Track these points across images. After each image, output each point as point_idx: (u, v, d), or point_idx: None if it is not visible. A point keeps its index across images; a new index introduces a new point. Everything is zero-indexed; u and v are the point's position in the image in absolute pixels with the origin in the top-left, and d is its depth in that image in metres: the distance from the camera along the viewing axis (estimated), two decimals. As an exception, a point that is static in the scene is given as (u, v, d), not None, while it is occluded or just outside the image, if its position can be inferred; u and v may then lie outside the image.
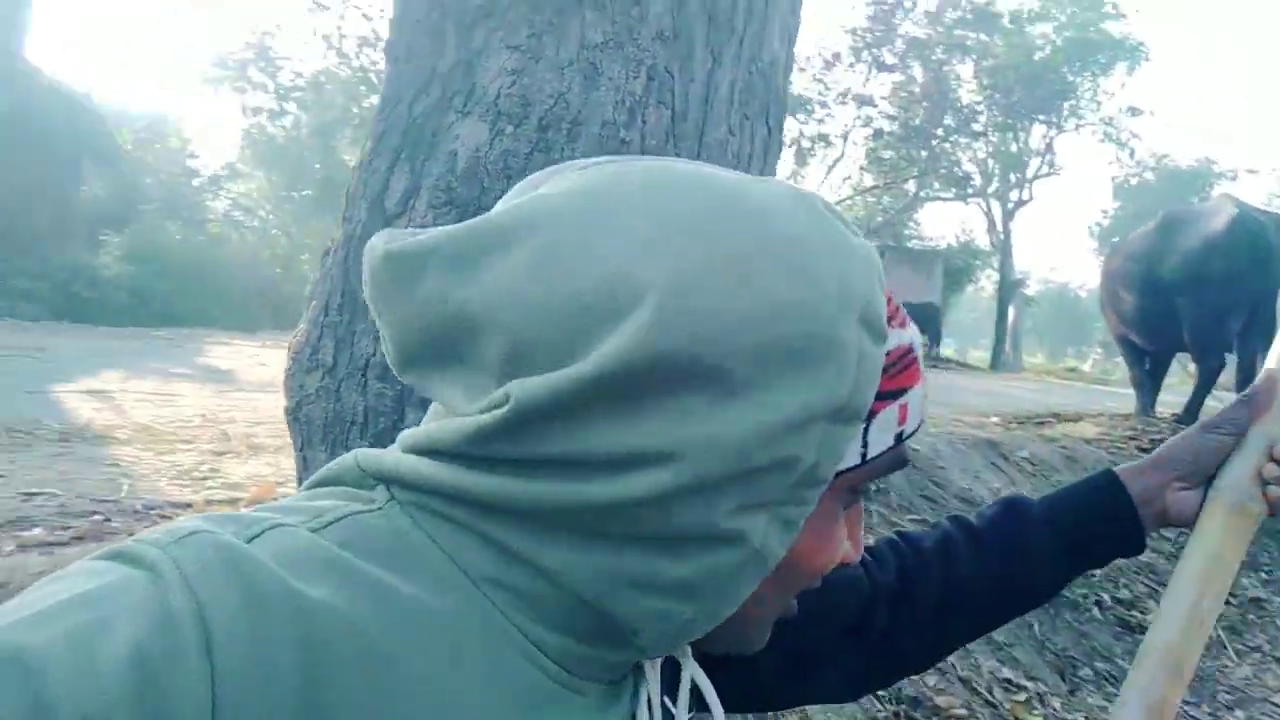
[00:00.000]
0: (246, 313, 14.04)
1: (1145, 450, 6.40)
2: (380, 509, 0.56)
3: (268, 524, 0.52)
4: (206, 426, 4.69)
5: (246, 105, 20.82)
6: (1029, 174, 28.16)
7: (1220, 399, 7.79)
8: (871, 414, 0.56)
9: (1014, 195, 28.33)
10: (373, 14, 17.96)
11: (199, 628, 0.45)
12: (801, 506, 0.54)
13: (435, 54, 1.53)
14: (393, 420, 1.49)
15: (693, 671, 0.65)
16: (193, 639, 0.45)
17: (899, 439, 0.58)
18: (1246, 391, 0.87)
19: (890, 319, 0.56)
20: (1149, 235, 8.02)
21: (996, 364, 25.44)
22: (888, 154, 26.04)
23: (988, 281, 31.58)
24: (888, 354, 0.56)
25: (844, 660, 0.88)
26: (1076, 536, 0.89)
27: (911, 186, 28.10)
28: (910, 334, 0.59)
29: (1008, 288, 27.38)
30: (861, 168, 26.90)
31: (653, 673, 0.63)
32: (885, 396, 0.56)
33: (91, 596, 0.46)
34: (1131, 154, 28.67)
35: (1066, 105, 25.88)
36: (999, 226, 28.09)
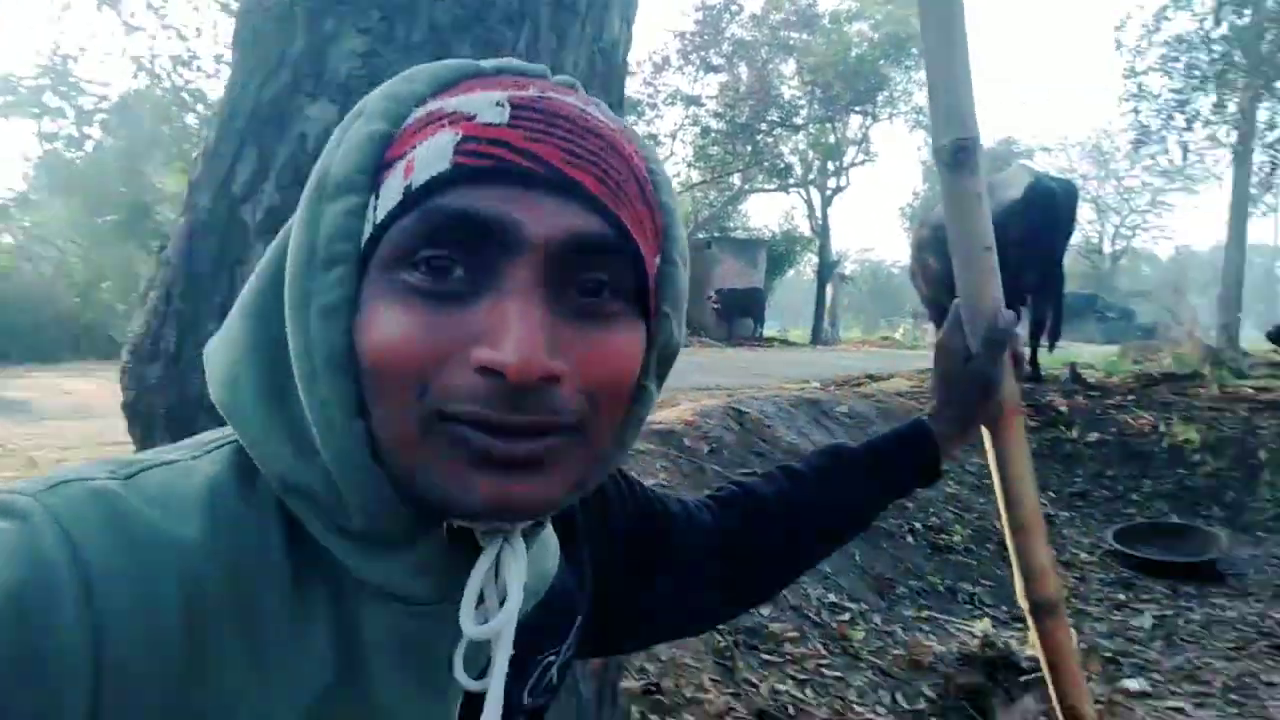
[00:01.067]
0: (44, 344, 13.23)
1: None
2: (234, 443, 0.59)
3: (149, 463, 0.54)
4: (8, 456, 4.49)
5: (43, 131, 19.54)
6: (845, 162, 29.55)
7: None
8: (379, 185, 0.54)
9: (832, 183, 29.65)
10: (189, 34, 17.22)
11: (75, 569, 0.45)
12: (328, 292, 0.53)
13: (285, 39, 1.60)
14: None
15: (494, 559, 0.60)
16: (69, 579, 0.45)
17: (407, 191, 0.52)
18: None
19: (426, 98, 0.57)
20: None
21: (816, 339, 26.70)
22: (714, 150, 26.91)
23: (808, 265, 32.99)
24: (411, 122, 0.56)
25: (693, 600, 0.93)
26: (889, 475, 1.02)
27: (737, 180, 29.12)
28: (453, 104, 0.55)
29: (826, 269, 28.61)
30: (689, 164, 27.73)
31: (484, 557, 0.59)
32: (390, 164, 0.54)
33: None
34: (938, 139, 30.40)
35: (881, 97, 27.34)
36: (818, 212, 29.39)
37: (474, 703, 0.59)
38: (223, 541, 0.52)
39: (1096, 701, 2.78)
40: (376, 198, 0.54)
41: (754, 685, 2.73)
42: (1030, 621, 1.13)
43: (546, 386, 0.51)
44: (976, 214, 1.03)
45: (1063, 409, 6.77)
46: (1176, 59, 15.08)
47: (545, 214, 0.51)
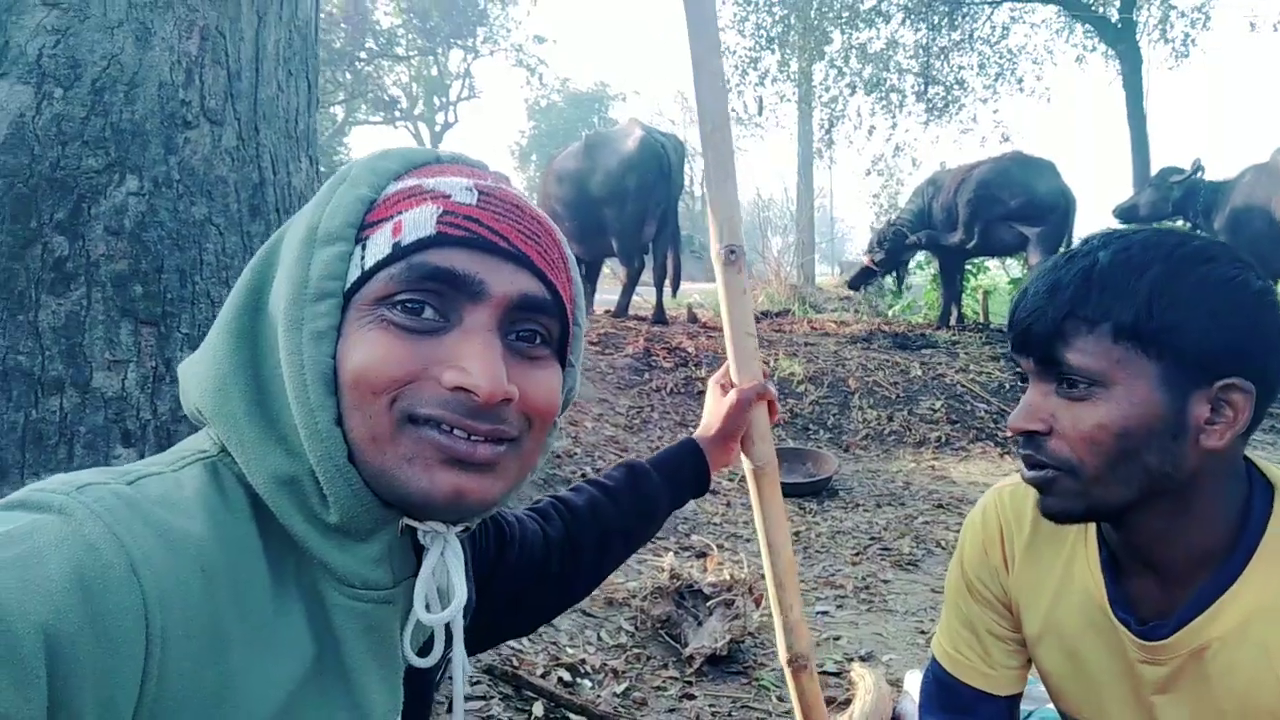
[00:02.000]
0: None
1: (594, 343, 7.39)
2: (211, 456, 0.68)
3: (140, 473, 0.62)
4: None
5: None
6: (452, 97, 29.30)
7: (641, 293, 9.16)
8: (366, 236, 0.68)
9: (440, 118, 29.31)
10: None
11: (122, 553, 0.54)
12: (319, 320, 0.66)
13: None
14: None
15: (439, 557, 0.74)
16: (118, 561, 0.53)
17: (396, 247, 0.66)
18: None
19: (401, 175, 0.72)
20: (576, 157, 8.98)
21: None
22: (313, 78, 25.30)
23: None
24: (393, 193, 0.70)
25: (532, 600, 1.07)
26: (674, 485, 1.21)
27: (339, 111, 27.69)
28: (430, 184, 0.70)
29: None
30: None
31: (431, 554, 0.73)
32: (376, 223, 0.68)
33: (14, 535, 0.52)
34: (540, 78, 31.25)
35: (481, 31, 27.27)
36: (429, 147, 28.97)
37: (409, 677, 0.75)
38: (220, 537, 0.61)
39: (758, 615, 3.18)
40: (363, 248, 0.68)
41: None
42: (788, 675, 1.36)
43: (501, 406, 0.67)
44: (743, 302, 1.28)
45: (690, 349, 7.41)
46: (746, 19, 16.50)
47: (504, 276, 0.68)
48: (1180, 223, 8.68)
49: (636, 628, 3.24)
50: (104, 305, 1.43)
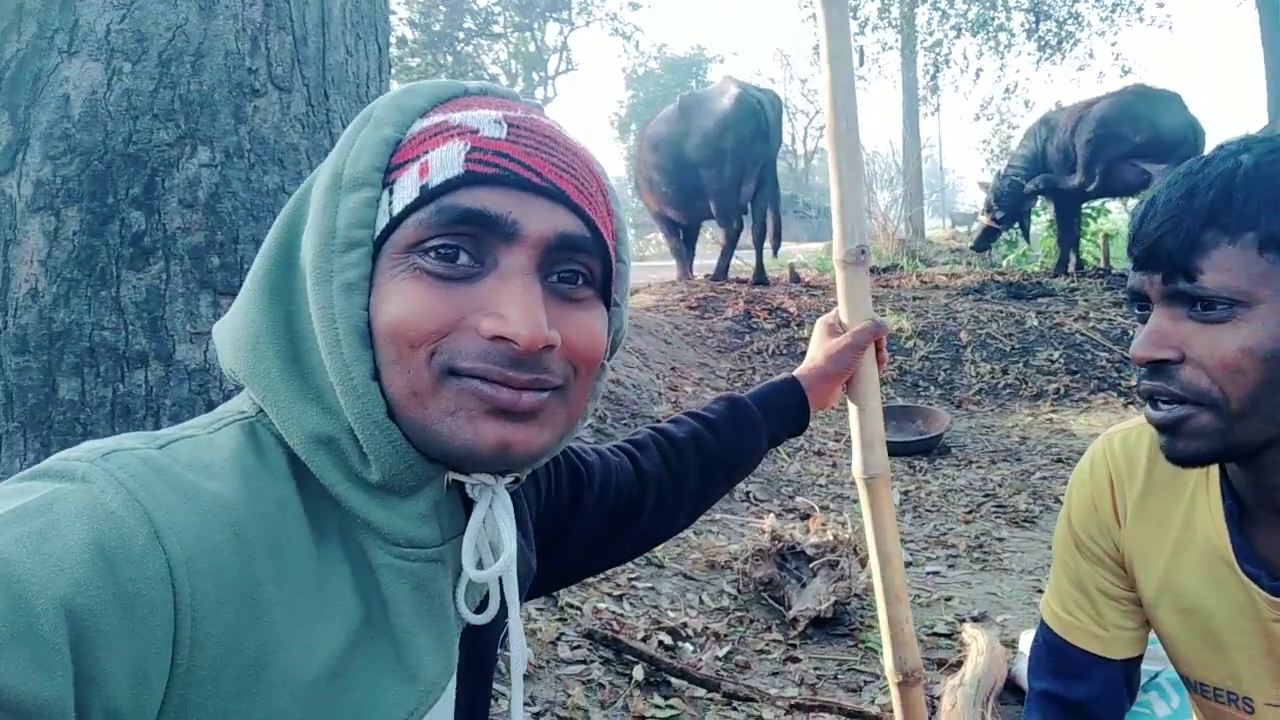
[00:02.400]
0: None
1: (694, 308, 7.33)
2: (249, 417, 0.66)
3: (173, 436, 0.61)
4: None
5: None
6: (550, 71, 29.43)
7: (741, 256, 9.04)
8: (393, 180, 0.64)
9: (539, 94, 29.50)
10: None
11: (145, 521, 0.52)
12: (348, 271, 0.62)
13: (16, -18, 1.37)
14: (44, 394, 1.38)
15: (486, 510, 0.70)
16: (140, 531, 0.51)
17: (424, 190, 0.62)
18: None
19: (428, 111, 0.68)
20: (669, 120, 8.90)
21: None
22: (415, 62, 25.79)
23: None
24: (418, 131, 0.66)
25: (624, 537, 1.05)
26: (774, 422, 1.17)
27: (442, 92, 28.19)
28: (457, 118, 0.66)
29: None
30: (391, 78, 26.43)
31: (479, 509, 0.70)
32: (403, 164, 0.64)
33: (31, 507, 0.51)
34: (637, 45, 31.14)
35: (576, 3, 27.29)
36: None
37: (469, 634, 0.74)
38: (254, 499, 0.59)
39: (864, 576, 3.09)
40: (390, 193, 0.64)
41: (577, 608, 2.78)
42: (895, 691, 1.30)
43: (543, 353, 0.63)
44: (866, 294, 1.25)
45: (792, 309, 7.27)
46: None
47: (539, 214, 0.63)
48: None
49: (739, 591, 3.20)
50: (183, 278, 1.45)
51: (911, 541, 3.84)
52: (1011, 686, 2.55)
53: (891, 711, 1.35)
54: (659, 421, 1.34)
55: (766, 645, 2.87)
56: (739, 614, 3.05)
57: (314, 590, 0.60)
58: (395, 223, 0.63)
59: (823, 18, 1.17)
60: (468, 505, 0.71)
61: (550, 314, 0.63)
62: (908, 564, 3.58)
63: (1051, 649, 1.14)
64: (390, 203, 0.63)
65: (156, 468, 0.55)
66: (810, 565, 3.18)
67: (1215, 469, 0.96)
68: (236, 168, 1.48)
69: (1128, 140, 8.20)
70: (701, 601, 3.13)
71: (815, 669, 2.72)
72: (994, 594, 3.26)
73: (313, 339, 0.64)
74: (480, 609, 0.73)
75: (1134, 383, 0.94)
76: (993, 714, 2.36)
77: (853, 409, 1.26)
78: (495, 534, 0.71)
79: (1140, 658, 1.12)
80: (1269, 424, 0.82)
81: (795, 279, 8.82)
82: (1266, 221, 0.78)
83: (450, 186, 0.62)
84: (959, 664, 2.63)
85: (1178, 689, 2.28)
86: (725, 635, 2.89)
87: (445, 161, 0.63)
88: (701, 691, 2.49)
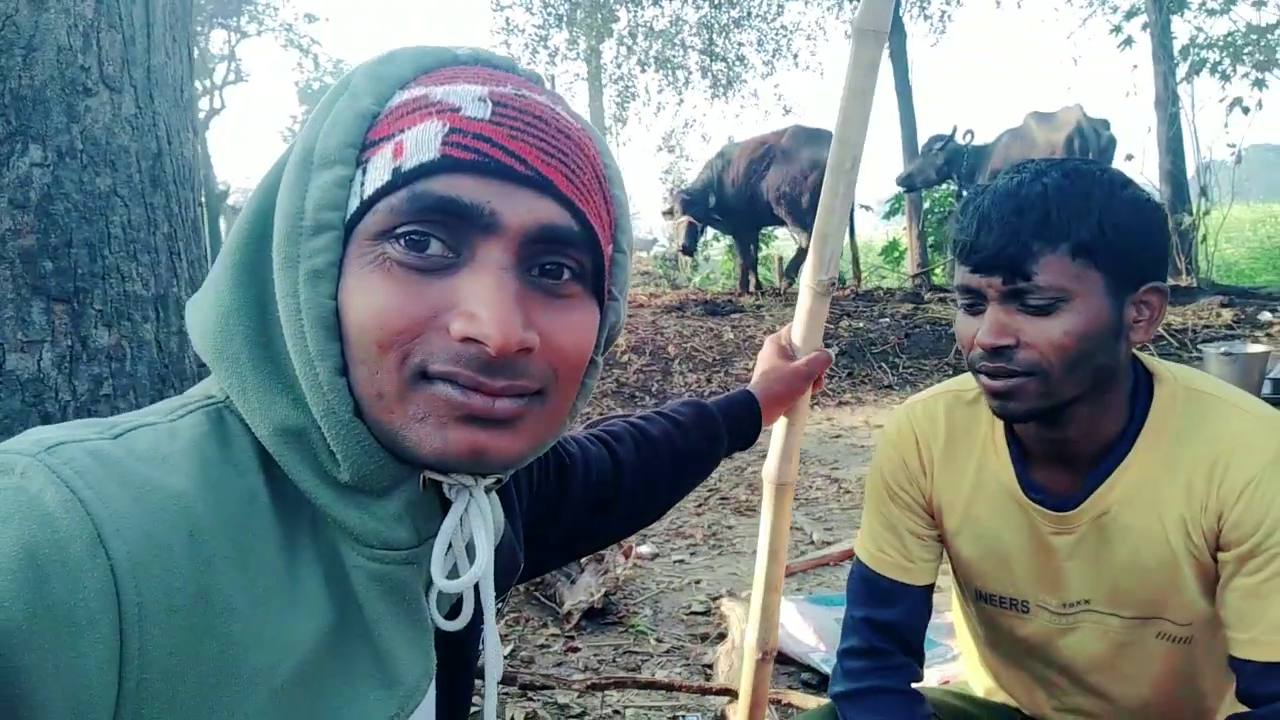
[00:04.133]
0: None
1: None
2: (217, 402, 0.62)
3: (132, 424, 0.56)
4: None
5: None
6: (217, 81, 27.46)
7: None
8: (367, 159, 0.59)
9: (204, 103, 27.44)
10: None
11: (86, 523, 0.47)
12: (316, 257, 0.57)
13: None
14: None
15: (462, 511, 0.66)
16: (81, 534, 0.47)
17: (396, 173, 0.57)
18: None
19: (409, 82, 0.62)
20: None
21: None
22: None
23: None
24: (398, 104, 0.61)
25: (600, 527, 1.06)
26: (733, 432, 1.21)
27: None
28: (439, 93, 0.60)
29: (214, 201, 26.75)
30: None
31: (453, 511, 0.65)
32: (378, 142, 0.59)
33: None
34: (315, 61, 29.81)
35: (247, 10, 25.72)
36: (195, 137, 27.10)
37: (446, 638, 0.69)
38: (215, 493, 0.54)
39: (624, 569, 3.33)
40: (364, 173, 0.58)
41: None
42: (750, 665, 1.51)
43: (519, 356, 0.58)
44: (823, 323, 1.36)
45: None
46: None
47: (521, 205, 0.58)
48: (948, 185, 9.54)
49: (511, 593, 3.31)
50: (13, 283, 1.36)
51: (654, 535, 4.14)
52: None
53: (680, 677, 1.52)
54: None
55: (546, 640, 3.01)
56: (513, 615, 3.16)
57: (283, 590, 0.56)
58: (366, 206, 0.58)
59: (853, 54, 1.21)
60: (446, 503, 0.66)
61: (532, 312, 0.59)
62: (655, 555, 3.87)
63: (865, 581, 1.36)
64: (363, 184, 0.58)
65: (106, 461, 0.51)
66: (578, 561, 3.36)
67: (1000, 425, 1.24)
68: (69, 168, 1.42)
69: (795, 173, 9.26)
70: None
71: (595, 655, 2.90)
72: (735, 574, 3.61)
73: (281, 325, 0.60)
74: (455, 612, 0.68)
75: (965, 362, 1.19)
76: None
77: (783, 422, 1.40)
78: (470, 538, 0.66)
79: (933, 586, 1.37)
80: (1077, 386, 1.08)
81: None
82: (1074, 233, 1.03)
83: (424, 171, 0.57)
84: (722, 635, 2.93)
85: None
86: (506, 635, 3.00)
87: (421, 143, 0.57)
88: (499, 687, 2.58)
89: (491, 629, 0.69)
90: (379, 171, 0.57)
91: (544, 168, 0.59)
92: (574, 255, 0.62)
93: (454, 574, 0.66)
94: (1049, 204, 1.04)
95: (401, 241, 0.57)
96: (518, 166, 0.58)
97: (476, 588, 0.68)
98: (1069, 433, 1.14)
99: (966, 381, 1.29)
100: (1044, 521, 1.19)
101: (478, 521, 0.65)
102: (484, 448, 0.58)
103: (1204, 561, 1.11)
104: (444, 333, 0.56)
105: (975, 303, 1.12)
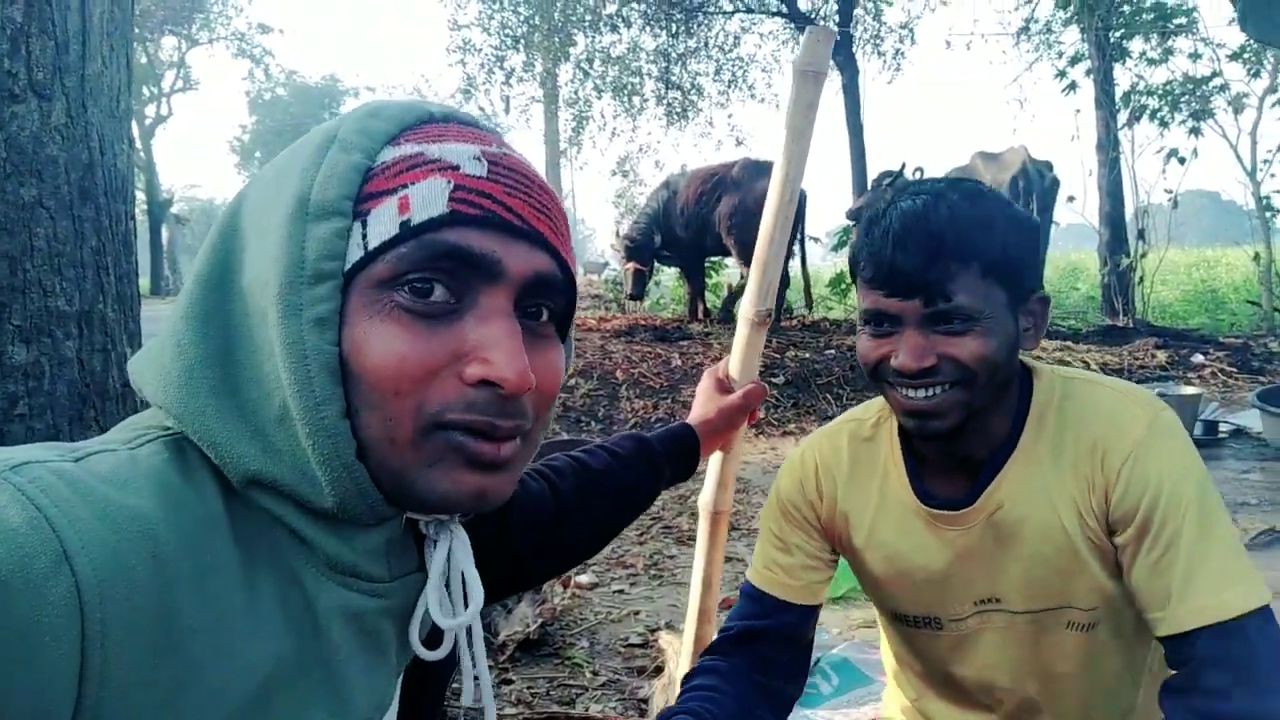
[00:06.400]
0: None
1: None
2: (176, 433, 0.62)
3: (90, 449, 0.56)
4: None
5: None
6: (165, 88, 27.04)
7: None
8: (366, 211, 0.61)
9: (151, 111, 26.98)
10: None
11: (52, 541, 0.47)
12: (319, 305, 0.59)
13: None
14: None
15: (448, 549, 0.70)
16: (46, 551, 0.47)
17: (404, 227, 0.60)
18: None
19: (398, 139, 0.65)
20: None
21: (157, 289, 24.59)
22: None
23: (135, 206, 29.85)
24: (391, 160, 0.63)
25: (538, 565, 1.07)
26: (673, 465, 1.23)
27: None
28: (434, 151, 0.64)
29: (158, 209, 26.26)
30: None
31: (439, 549, 0.69)
32: (376, 195, 0.62)
33: None
34: (266, 70, 29.51)
35: (199, 18, 25.39)
36: (139, 145, 26.63)
37: (410, 674, 0.74)
38: (176, 516, 0.55)
39: (562, 599, 3.29)
40: (364, 225, 0.61)
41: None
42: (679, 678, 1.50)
43: (524, 396, 0.63)
44: (759, 353, 1.39)
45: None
46: (493, 17, 16.29)
47: (520, 255, 0.64)
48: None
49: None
50: (-74, 295, 1.30)
51: (595, 564, 4.09)
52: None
53: (614, 711, 1.49)
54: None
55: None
56: (447, 644, 3.10)
57: (242, 613, 0.57)
58: (371, 256, 0.61)
59: (795, 93, 1.24)
60: (417, 540, 0.71)
61: (528, 353, 0.63)
62: (595, 585, 3.82)
63: (748, 598, 1.34)
64: (365, 236, 0.61)
65: (70, 481, 0.51)
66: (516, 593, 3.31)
67: (899, 445, 1.25)
68: (-9, 177, 1.36)
69: (740, 204, 9.35)
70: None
71: (529, 688, 2.84)
72: (675, 605, 3.59)
73: (253, 372, 0.61)
74: (432, 644, 0.71)
75: (870, 382, 1.20)
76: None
77: (719, 453, 1.40)
78: (457, 577, 0.70)
79: (815, 610, 1.34)
80: (990, 397, 1.11)
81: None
82: (983, 253, 1.06)
83: (433, 225, 0.61)
84: (659, 669, 2.89)
85: (837, 670, 2.70)
86: (439, 665, 2.93)
87: (428, 199, 0.61)
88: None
89: (484, 670, 0.73)
90: (383, 224, 0.61)
91: (535, 221, 0.65)
92: (555, 298, 0.68)
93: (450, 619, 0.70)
94: (959, 226, 1.06)
95: (407, 289, 0.60)
96: (516, 221, 0.63)
97: (466, 629, 0.72)
98: (970, 441, 1.17)
99: (865, 411, 1.33)
100: (942, 524, 1.21)
101: (466, 562, 0.70)
102: (486, 490, 0.63)
103: (1101, 544, 1.13)
104: (455, 379, 0.60)
105: (886, 325, 1.13)
